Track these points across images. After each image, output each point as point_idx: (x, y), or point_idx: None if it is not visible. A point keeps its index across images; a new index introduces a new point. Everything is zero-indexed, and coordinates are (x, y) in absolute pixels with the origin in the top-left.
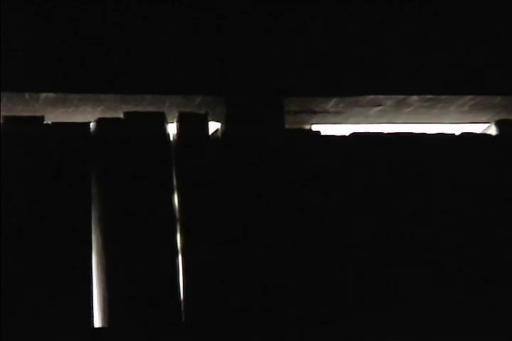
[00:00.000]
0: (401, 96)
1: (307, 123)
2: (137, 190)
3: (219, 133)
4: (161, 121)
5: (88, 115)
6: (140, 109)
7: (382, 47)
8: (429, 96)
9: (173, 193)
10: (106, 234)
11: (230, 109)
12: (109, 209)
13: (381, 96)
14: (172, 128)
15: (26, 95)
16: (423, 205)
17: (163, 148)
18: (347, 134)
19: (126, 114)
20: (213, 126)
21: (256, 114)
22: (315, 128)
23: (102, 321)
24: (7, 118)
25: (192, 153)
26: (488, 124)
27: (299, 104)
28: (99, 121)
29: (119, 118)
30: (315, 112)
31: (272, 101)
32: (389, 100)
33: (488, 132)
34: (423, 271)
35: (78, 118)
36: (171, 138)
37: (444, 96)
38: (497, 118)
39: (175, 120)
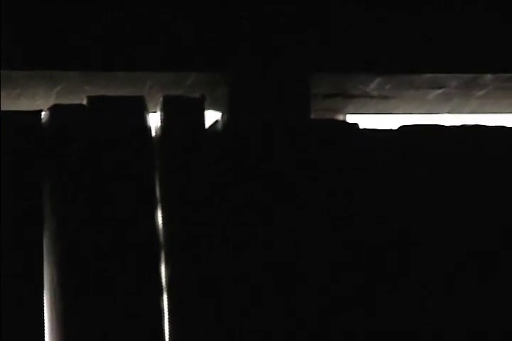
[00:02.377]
0: (470, 75)
1: (341, 111)
2: (106, 202)
3: (219, 125)
4: (140, 108)
5: (39, 100)
6: (110, 91)
7: (443, 10)
8: (510, 74)
9: (155, 207)
10: (62, 264)
11: (234, 92)
12: (67, 230)
13: (443, 75)
14: (155, 119)
15: None
16: (489, 215)
17: (143, 145)
18: (395, 128)
19: (90, 98)
20: (212, 116)
21: (270, 99)
22: (351, 118)
23: None
24: None
25: (182, 153)
26: None
27: (330, 84)
28: (55, 109)
29: (81, 105)
30: (352, 96)
31: (293, 80)
32: (454, 80)
33: None
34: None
35: (25, 104)
36: (154, 133)
37: None
38: None
39: (159, 107)
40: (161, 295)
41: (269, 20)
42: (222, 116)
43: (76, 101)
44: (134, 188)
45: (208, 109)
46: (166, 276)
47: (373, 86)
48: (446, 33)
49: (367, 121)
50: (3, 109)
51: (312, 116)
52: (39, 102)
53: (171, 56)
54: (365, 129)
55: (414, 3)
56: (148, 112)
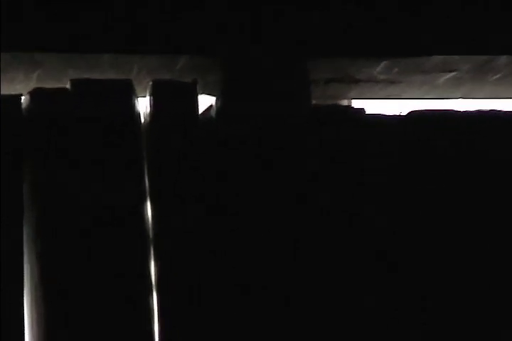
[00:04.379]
0: (484, 57)
1: (344, 97)
2: (92, 193)
3: (213, 111)
4: (127, 93)
5: (19, 84)
6: (95, 75)
7: None
8: None
9: (144, 200)
10: (44, 261)
11: (228, 76)
12: (50, 224)
13: (455, 57)
14: (143, 105)
15: None
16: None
17: (131, 133)
18: (403, 114)
19: (74, 82)
20: (205, 102)
21: (267, 84)
22: (356, 104)
23: None
24: None
25: (173, 141)
26: None
27: (331, 68)
28: (36, 93)
29: (64, 89)
30: (356, 81)
31: (291, 64)
32: (466, 63)
33: None
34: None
35: (3, 88)
36: (142, 120)
37: None
38: None
39: (147, 92)
40: (151, 293)
41: (269, 3)
42: (216, 102)
43: (58, 86)
44: (121, 179)
45: (201, 94)
46: (155, 274)
47: (379, 70)
48: (457, 13)
49: (373, 107)
50: None
51: (313, 102)
52: (18, 87)
53: (160, 39)
54: (371, 115)
55: None
56: (136, 97)
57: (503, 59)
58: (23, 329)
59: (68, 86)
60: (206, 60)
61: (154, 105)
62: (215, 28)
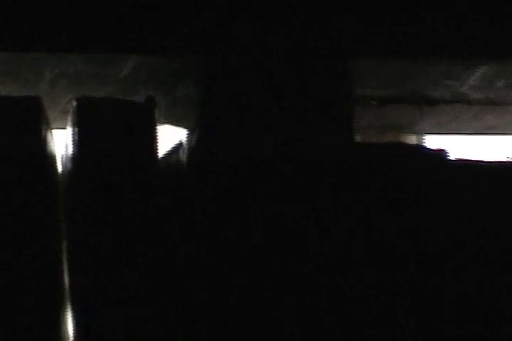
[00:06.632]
0: None
1: (412, 129)
2: None
3: (182, 152)
4: (32, 119)
5: None
6: None
7: None
8: None
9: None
10: None
11: (208, 92)
12: None
13: None
14: (61, 139)
15: None
16: None
17: (37, 186)
18: (507, 159)
19: None
20: (170, 136)
21: (274, 104)
22: (431, 142)
23: None
24: None
25: (113, 200)
26: None
27: (390, 79)
28: None
29: None
30: (432, 102)
31: (321, 68)
32: None
33: None
34: None
35: None
36: (59, 165)
37: None
38: None
39: (69, 117)
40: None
41: None
42: (188, 136)
43: None
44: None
45: (163, 124)
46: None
47: (473, 82)
48: None
49: (461, 147)
50: None
51: (358, 137)
52: None
53: (91, 30)
54: (458, 161)
55: None
56: (48, 126)
57: None
58: None
59: None
60: (171, 63)
61: (80, 141)
62: (187, 13)
